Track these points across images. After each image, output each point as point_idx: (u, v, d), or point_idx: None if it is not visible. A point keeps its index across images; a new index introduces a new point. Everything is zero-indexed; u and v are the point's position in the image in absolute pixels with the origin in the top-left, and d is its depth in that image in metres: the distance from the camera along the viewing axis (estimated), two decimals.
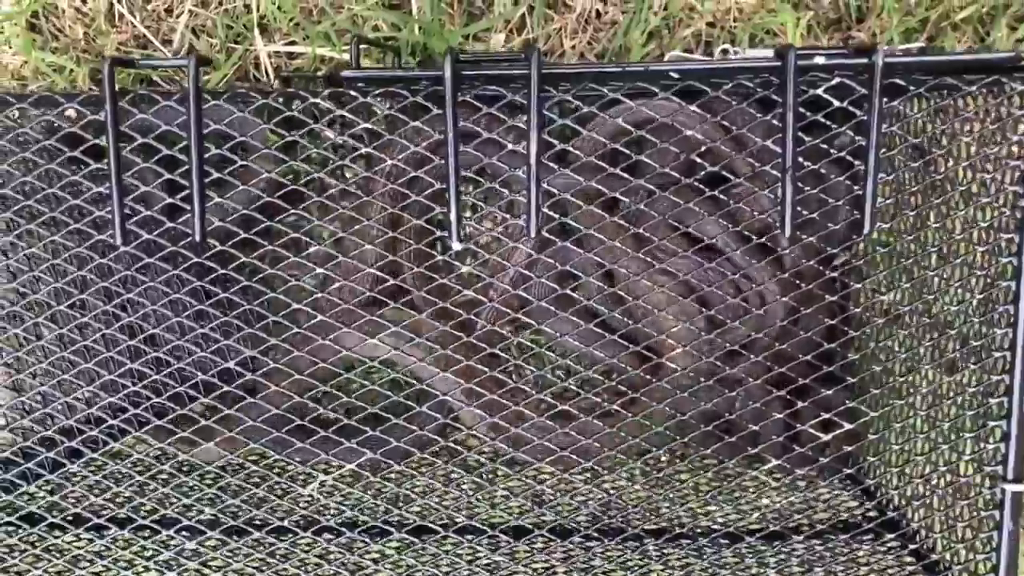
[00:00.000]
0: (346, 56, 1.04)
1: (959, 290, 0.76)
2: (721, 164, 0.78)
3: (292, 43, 1.07)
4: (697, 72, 0.69)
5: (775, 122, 0.69)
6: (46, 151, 0.78)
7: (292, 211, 0.75)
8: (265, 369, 0.80)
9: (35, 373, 0.81)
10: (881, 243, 0.88)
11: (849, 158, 0.72)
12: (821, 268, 0.81)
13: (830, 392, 0.84)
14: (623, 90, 0.70)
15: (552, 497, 0.91)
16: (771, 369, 0.86)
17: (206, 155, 0.70)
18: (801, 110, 0.68)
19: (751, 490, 0.91)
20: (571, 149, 0.77)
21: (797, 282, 0.83)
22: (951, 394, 0.77)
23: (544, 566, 0.83)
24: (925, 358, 0.81)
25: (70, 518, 0.85)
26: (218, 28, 1.07)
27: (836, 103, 0.70)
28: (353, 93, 0.71)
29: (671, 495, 0.92)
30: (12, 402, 0.82)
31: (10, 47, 1.14)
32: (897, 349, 0.85)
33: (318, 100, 0.71)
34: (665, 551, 0.86)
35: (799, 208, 0.70)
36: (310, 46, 1.06)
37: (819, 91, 0.69)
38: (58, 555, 0.81)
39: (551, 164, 0.80)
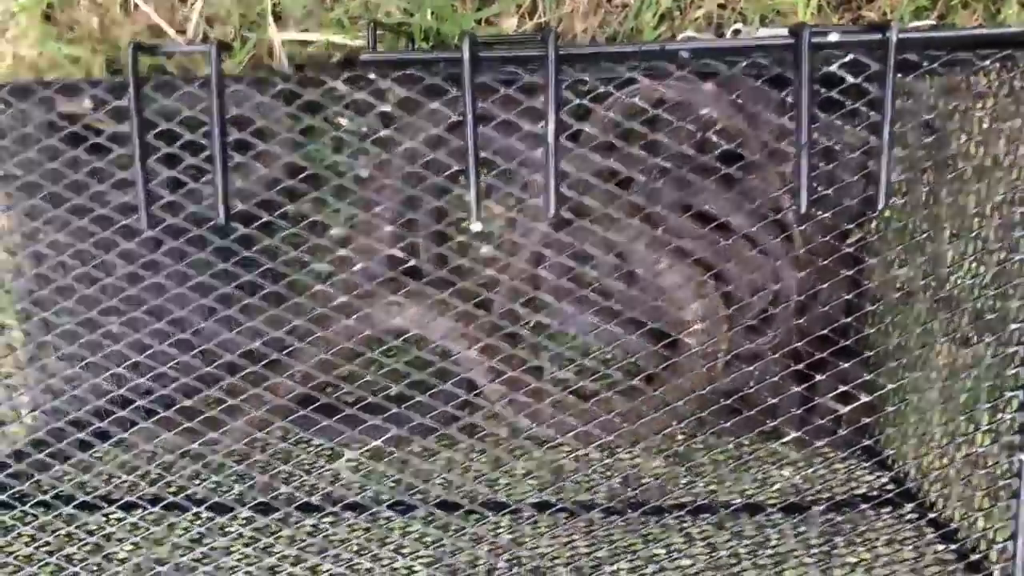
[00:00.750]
0: (359, 43, 1.05)
1: (973, 264, 0.76)
2: (736, 143, 0.79)
3: (305, 31, 1.08)
4: (712, 51, 0.69)
5: (790, 99, 0.70)
6: (67, 138, 0.80)
7: (310, 194, 0.76)
8: (290, 349, 0.81)
9: (62, 356, 0.82)
10: (895, 219, 0.88)
11: (864, 133, 0.72)
12: (836, 244, 0.81)
13: (847, 365, 0.84)
14: (639, 70, 0.71)
15: (573, 472, 0.92)
16: (788, 344, 0.87)
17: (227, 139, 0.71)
18: (815, 87, 0.69)
19: (770, 463, 0.92)
20: (585, 128, 0.78)
21: (812, 258, 0.84)
22: (967, 366, 0.78)
23: (566, 539, 0.84)
24: (940, 332, 0.82)
25: (100, 497, 0.86)
26: (232, 16, 1.08)
27: (850, 79, 0.70)
28: (371, 76, 0.72)
29: (690, 469, 0.93)
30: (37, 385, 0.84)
31: (26, 38, 1.15)
32: (912, 323, 0.86)
33: (337, 84, 0.72)
34: (685, 523, 0.87)
35: (814, 184, 0.71)
36: (323, 34, 1.07)
37: (833, 68, 0.70)
38: (87, 534, 0.83)
39: (568, 143, 0.81)
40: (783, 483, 0.93)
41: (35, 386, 0.85)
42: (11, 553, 0.82)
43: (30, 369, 0.86)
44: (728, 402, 0.86)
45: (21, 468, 0.84)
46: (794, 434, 0.81)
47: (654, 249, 0.93)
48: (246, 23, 1.09)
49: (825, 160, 0.76)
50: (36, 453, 0.82)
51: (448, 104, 0.73)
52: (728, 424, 0.85)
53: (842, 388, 0.80)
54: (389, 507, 0.85)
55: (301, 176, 0.78)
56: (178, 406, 0.81)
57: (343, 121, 0.97)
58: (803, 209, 0.69)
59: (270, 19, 1.07)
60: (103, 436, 0.85)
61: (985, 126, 0.73)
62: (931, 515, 0.85)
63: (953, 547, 0.81)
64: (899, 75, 0.68)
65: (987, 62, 0.69)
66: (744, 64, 0.71)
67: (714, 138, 0.81)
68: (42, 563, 0.80)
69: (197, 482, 0.85)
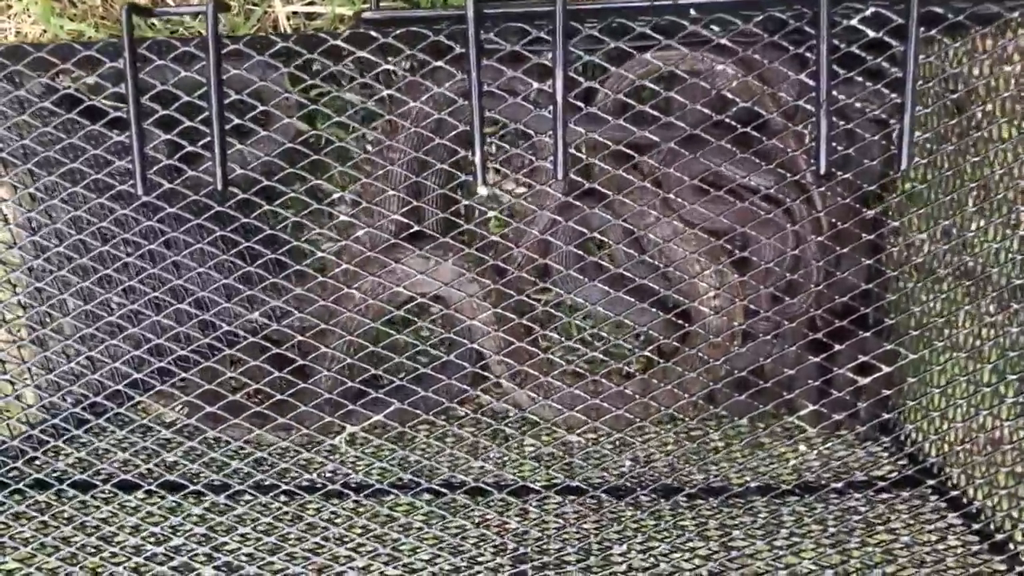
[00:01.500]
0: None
1: (1000, 228, 0.73)
2: (751, 108, 0.76)
3: (311, 3, 1.05)
4: (728, 4, 0.67)
5: (808, 54, 0.67)
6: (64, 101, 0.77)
7: (314, 156, 0.74)
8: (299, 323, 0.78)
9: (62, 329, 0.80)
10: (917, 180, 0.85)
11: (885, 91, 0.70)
12: (857, 206, 0.78)
13: (866, 335, 0.81)
14: (650, 26, 0.68)
15: (581, 450, 0.90)
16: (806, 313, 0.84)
17: (226, 102, 0.69)
18: (835, 42, 0.66)
19: (786, 441, 0.89)
20: (598, 87, 0.75)
21: (833, 222, 0.81)
22: (991, 337, 0.75)
23: (575, 518, 0.82)
24: (964, 301, 0.79)
25: (102, 478, 0.84)
26: None
27: (871, 34, 0.67)
28: (374, 34, 0.69)
29: (702, 447, 0.91)
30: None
31: (29, 15, 1.13)
32: (933, 293, 0.83)
33: (339, 42, 0.69)
34: (696, 503, 0.85)
35: (834, 144, 0.68)
36: (329, 5, 1.04)
37: (853, 22, 0.67)
38: (88, 515, 0.81)
39: (578, 103, 0.78)
40: (797, 462, 0.90)
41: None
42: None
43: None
44: (742, 374, 0.83)
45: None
46: (811, 407, 0.78)
47: (666, 216, 0.91)
48: None
49: (845, 120, 0.73)
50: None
51: (454, 63, 0.70)
52: (742, 397, 0.83)
53: (861, 359, 0.77)
54: (392, 486, 0.83)
55: (302, 138, 0.75)
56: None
57: (350, 96, 0.95)
58: (823, 170, 0.66)
59: None
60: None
61: (1014, 83, 0.70)
62: (952, 495, 0.82)
63: (975, 528, 0.78)
64: (922, 29, 0.65)
65: (1015, 14, 0.66)
66: (761, 17, 0.68)
67: (729, 103, 0.78)
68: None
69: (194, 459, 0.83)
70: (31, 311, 0.82)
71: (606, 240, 0.97)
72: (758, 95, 0.79)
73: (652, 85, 0.73)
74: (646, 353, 0.97)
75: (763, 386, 0.79)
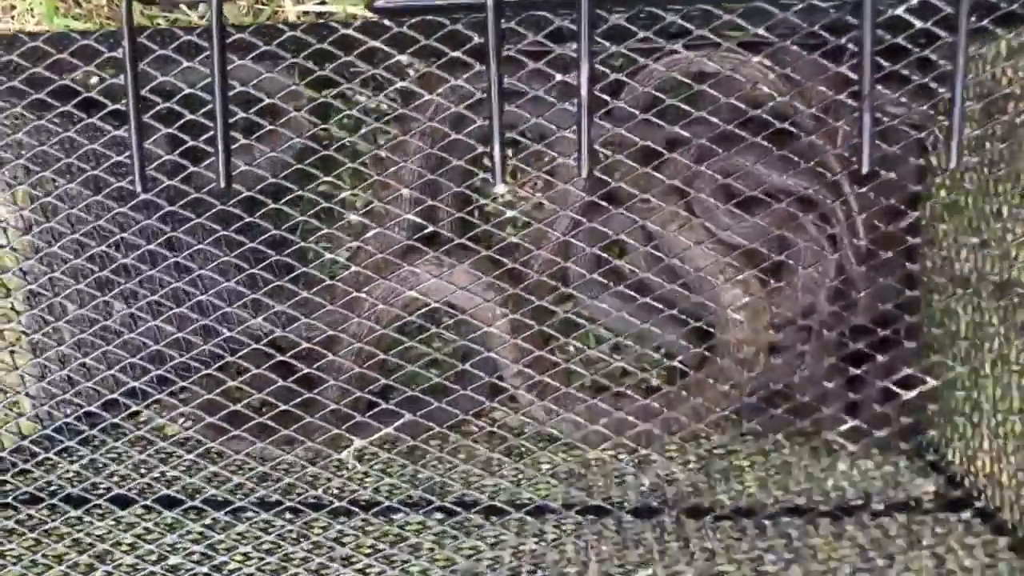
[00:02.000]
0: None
1: None
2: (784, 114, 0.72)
3: (322, 2, 1.02)
4: None
5: (851, 46, 0.63)
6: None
7: (324, 152, 0.70)
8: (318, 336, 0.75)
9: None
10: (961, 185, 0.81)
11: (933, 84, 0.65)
12: (901, 207, 0.74)
13: (906, 347, 0.77)
14: (681, 14, 0.64)
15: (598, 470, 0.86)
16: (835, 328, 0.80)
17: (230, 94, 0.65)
18: (879, 32, 0.62)
19: (818, 463, 0.85)
20: (626, 79, 0.71)
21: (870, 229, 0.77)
22: None
23: (593, 538, 0.77)
24: (1002, 317, 0.74)
25: (102, 494, 0.80)
26: None
27: (918, 24, 0.63)
28: (387, 23, 0.65)
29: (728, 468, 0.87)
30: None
31: (32, 15, 1.10)
32: (971, 308, 0.79)
33: (350, 31, 0.65)
34: (722, 526, 0.80)
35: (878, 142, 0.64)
36: (340, 4, 1.01)
37: (899, 11, 0.63)
38: (87, 535, 0.77)
39: (604, 96, 0.74)
40: (829, 484, 0.86)
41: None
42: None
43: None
44: (770, 392, 0.78)
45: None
46: (851, 422, 0.73)
47: (690, 229, 0.87)
48: None
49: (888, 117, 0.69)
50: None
51: (471, 55, 0.66)
52: (770, 417, 0.78)
53: (903, 372, 0.72)
54: (402, 504, 0.78)
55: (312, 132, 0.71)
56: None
57: (361, 98, 0.91)
58: (866, 168, 0.62)
59: None
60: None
61: None
62: (994, 520, 0.77)
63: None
64: (973, 19, 0.61)
65: None
66: (801, 6, 0.63)
67: (761, 111, 0.74)
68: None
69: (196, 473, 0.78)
70: (25, 315, 0.78)
71: (628, 244, 0.93)
72: (795, 91, 0.75)
73: (686, 79, 0.69)
74: (670, 363, 0.93)
75: (796, 401, 0.75)
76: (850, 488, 0.85)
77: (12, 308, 0.79)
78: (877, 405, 0.76)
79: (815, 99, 0.76)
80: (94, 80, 0.78)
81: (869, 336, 0.79)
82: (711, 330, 0.90)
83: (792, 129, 0.75)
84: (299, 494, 0.77)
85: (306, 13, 1.03)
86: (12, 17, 1.12)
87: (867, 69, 0.61)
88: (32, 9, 1.10)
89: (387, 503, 0.76)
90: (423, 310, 0.82)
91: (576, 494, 0.82)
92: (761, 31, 0.64)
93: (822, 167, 0.81)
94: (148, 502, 0.77)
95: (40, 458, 0.78)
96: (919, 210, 0.87)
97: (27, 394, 0.78)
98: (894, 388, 0.73)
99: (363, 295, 0.76)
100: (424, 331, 0.80)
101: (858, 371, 0.74)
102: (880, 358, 0.73)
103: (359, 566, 0.74)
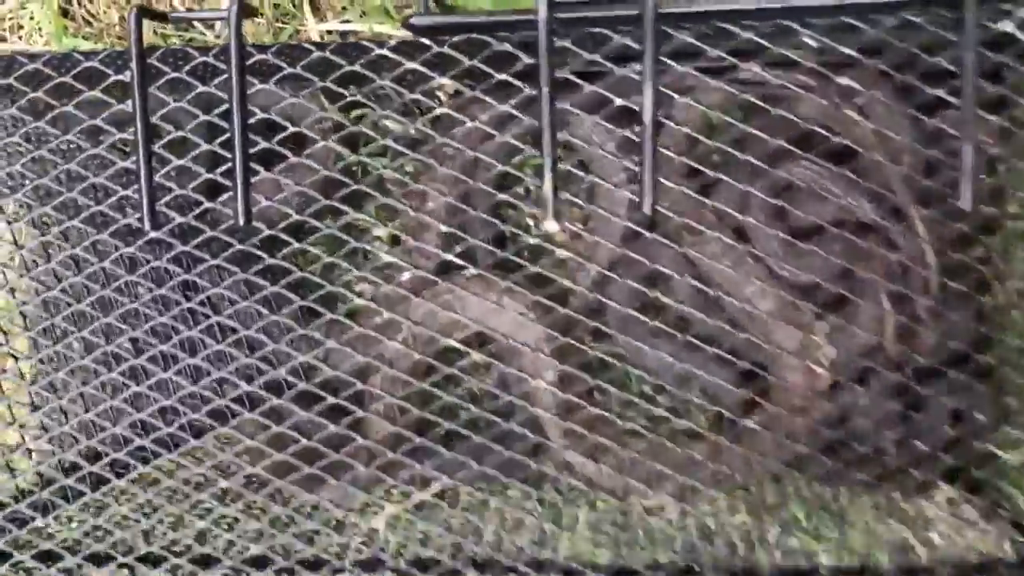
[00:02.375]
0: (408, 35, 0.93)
1: None
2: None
3: (347, 21, 0.96)
4: (853, 7, 0.55)
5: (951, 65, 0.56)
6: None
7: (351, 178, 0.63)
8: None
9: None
10: None
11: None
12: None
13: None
14: (757, 31, 0.57)
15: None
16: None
17: (250, 120, 0.58)
18: (982, 50, 0.55)
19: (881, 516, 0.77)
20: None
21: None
22: None
23: None
24: None
25: (97, 554, 0.73)
26: (264, 7, 0.96)
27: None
28: (426, 42, 0.59)
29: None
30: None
31: (41, 34, 1.05)
32: None
33: (384, 51, 0.59)
34: None
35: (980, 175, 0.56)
36: (366, 22, 0.94)
37: (1007, 26, 0.56)
38: None
39: (670, 123, 0.67)
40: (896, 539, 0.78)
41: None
42: None
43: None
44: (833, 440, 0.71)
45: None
46: (946, 489, 0.66)
47: (747, 269, 0.79)
48: (279, 14, 0.97)
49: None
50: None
51: (520, 76, 0.59)
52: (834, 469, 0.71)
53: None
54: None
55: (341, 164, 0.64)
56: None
57: (390, 124, 0.84)
58: (968, 206, 0.54)
59: (307, 8, 0.96)
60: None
61: None
62: None
63: None
64: None
65: None
66: (895, 23, 0.56)
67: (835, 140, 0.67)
68: None
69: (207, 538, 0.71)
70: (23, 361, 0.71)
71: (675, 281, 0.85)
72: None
73: (753, 99, 0.62)
74: (716, 409, 0.85)
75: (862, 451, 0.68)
76: (919, 546, 0.78)
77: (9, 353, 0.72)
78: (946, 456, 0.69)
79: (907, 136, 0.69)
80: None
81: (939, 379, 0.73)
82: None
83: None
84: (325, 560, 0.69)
85: (329, 32, 0.96)
86: (19, 37, 1.06)
87: (969, 96, 0.54)
88: (40, 28, 1.05)
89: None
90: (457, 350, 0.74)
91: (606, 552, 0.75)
92: (850, 52, 0.57)
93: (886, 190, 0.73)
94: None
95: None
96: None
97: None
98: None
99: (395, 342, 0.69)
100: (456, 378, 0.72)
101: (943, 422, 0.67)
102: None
103: None
